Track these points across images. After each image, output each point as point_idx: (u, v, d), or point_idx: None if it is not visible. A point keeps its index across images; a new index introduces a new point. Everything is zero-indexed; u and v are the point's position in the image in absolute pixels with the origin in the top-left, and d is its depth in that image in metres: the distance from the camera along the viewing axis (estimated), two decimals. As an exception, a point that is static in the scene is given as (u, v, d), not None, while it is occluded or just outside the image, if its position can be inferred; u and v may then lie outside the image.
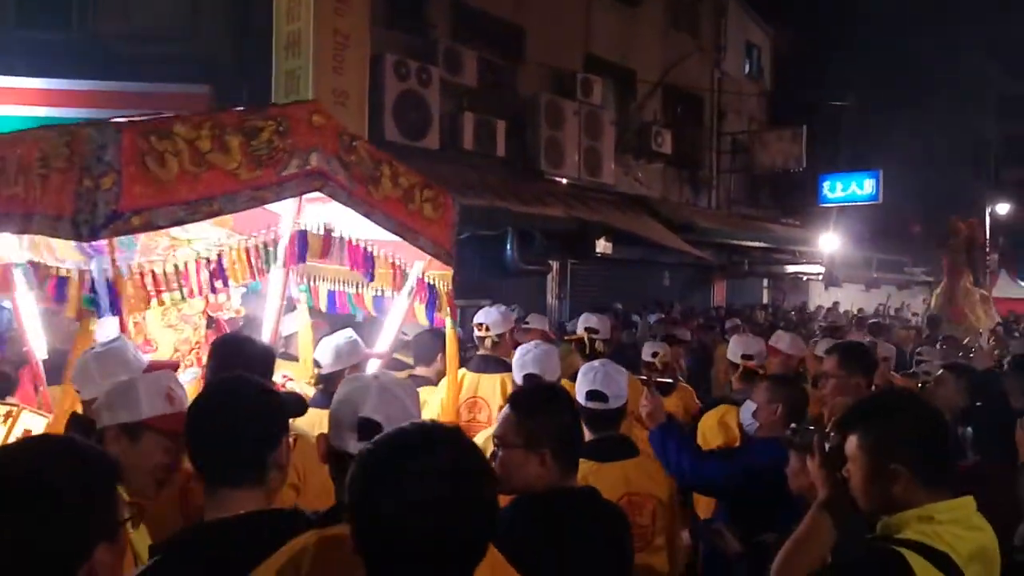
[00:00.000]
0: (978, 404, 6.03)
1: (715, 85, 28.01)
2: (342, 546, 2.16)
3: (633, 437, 5.05)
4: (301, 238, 5.20)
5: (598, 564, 3.41)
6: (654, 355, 8.58)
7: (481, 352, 7.04)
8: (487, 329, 6.95)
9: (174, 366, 4.84)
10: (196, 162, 4.33)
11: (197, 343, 5.95)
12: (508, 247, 16.40)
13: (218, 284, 5.05)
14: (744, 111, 29.94)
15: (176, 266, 4.83)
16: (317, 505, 3.02)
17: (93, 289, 4.36)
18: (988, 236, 31.00)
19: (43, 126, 4.77)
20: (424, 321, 6.43)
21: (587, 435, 4.26)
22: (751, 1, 30.22)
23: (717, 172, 28.48)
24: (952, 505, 2.92)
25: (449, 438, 2.14)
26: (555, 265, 20.24)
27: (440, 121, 17.04)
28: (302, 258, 5.30)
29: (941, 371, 6.87)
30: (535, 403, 3.55)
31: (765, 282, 31.34)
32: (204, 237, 5.51)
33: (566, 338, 8.96)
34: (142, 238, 5.08)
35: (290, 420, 3.15)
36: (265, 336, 5.25)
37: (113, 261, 4.41)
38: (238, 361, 4.20)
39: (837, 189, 29.78)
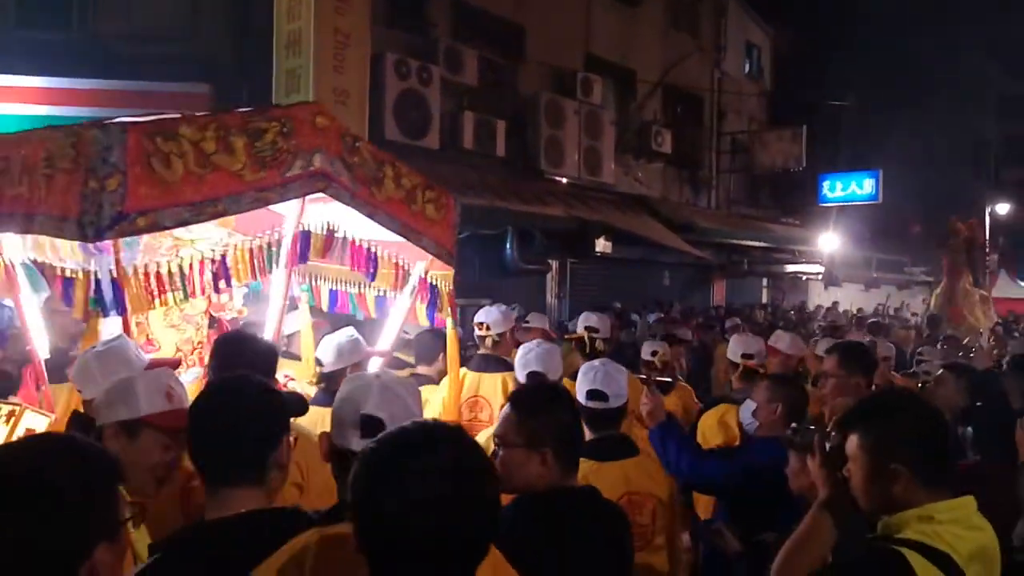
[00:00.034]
0: (978, 404, 6.04)
1: (715, 85, 28.01)
2: (344, 545, 2.16)
3: (633, 436, 5.05)
4: (304, 238, 5.21)
5: (599, 563, 3.41)
6: (653, 354, 8.58)
7: (482, 351, 7.03)
8: (488, 328, 6.95)
9: (175, 364, 4.85)
10: (201, 163, 4.34)
11: (199, 343, 5.95)
12: (508, 246, 16.39)
13: (221, 284, 5.06)
14: (744, 111, 29.95)
15: (180, 266, 4.83)
16: (320, 504, 3.02)
17: (98, 289, 4.35)
18: (988, 236, 31.02)
19: (48, 126, 4.78)
20: (425, 321, 6.44)
21: (587, 434, 4.26)
22: (751, 1, 30.22)
23: (717, 172, 28.49)
24: (952, 505, 2.92)
25: (451, 437, 2.14)
26: (555, 264, 20.24)
27: (440, 120, 17.04)
28: (304, 258, 5.32)
29: (941, 371, 6.87)
30: (536, 402, 3.55)
31: (765, 282, 31.34)
32: (207, 237, 5.52)
33: (566, 337, 8.96)
34: (145, 238, 5.07)
35: (291, 419, 3.15)
36: (267, 336, 5.25)
37: (118, 261, 4.40)
38: (241, 359, 4.21)
39: (837, 189, 29.78)
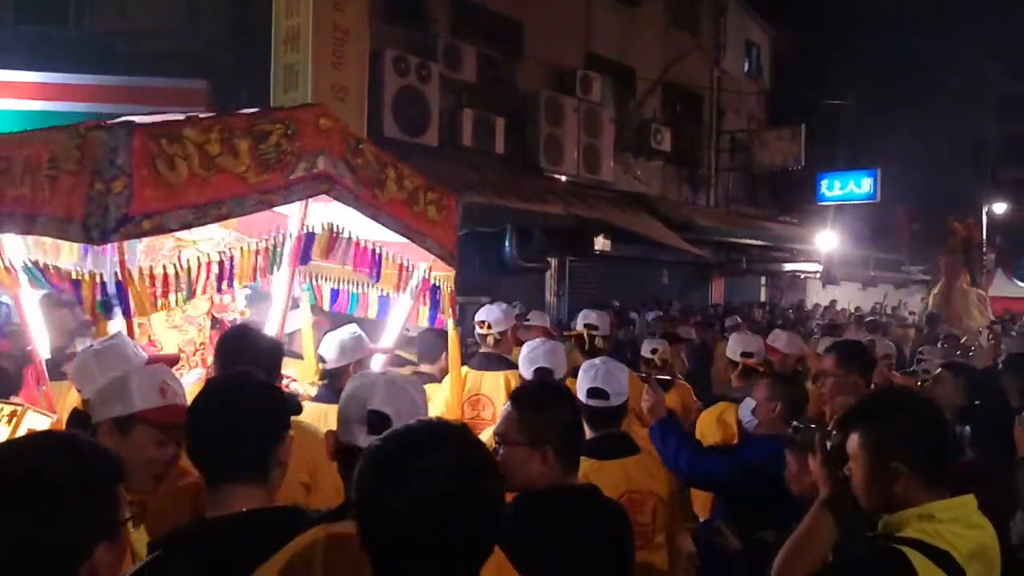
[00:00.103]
0: (976, 403, 6.04)
1: (714, 83, 28.02)
2: (351, 543, 2.16)
3: (632, 435, 5.05)
4: (308, 239, 5.22)
5: (599, 562, 3.41)
6: (653, 352, 8.57)
7: (483, 349, 7.06)
8: (489, 327, 6.96)
9: (173, 360, 4.84)
10: (205, 165, 4.34)
11: (202, 344, 5.96)
12: (507, 244, 16.39)
13: (224, 285, 5.05)
14: (743, 110, 29.96)
15: (187, 266, 4.82)
16: (328, 504, 3.01)
17: (104, 292, 4.35)
18: (985, 235, 31.04)
19: (51, 127, 4.76)
20: (426, 323, 6.44)
21: (588, 433, 4.26)
22: (751, 0, 30.21)
23: (716, 170, 28.50)
24: (952, 504, 2.93)
25: (456, 435, 2.13)
26: (554, 262, 20.22)
27: (439, 117, 17.03)
28: (306, 259, 5.32)
29: (939, 370, 6.88)
30: (538, 400, 3.55)
31: (763, 280, 31.35)
32: (210, 238, 5.53)
33: (565, 334, 8.96)
34: (146, 239, 5.08)
35: (296, 417, 3.15)
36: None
37: (122, 263, 4.40)
38: (243, 355, 4.22)
39: (835, 187, 29.79)
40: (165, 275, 4.63)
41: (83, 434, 2.85)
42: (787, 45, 32.53)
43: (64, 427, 3.87)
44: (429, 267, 6.00)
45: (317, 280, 6.57)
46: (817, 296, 31.87)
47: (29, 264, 5.00)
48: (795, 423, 3.89)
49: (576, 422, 3.64)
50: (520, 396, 3.64)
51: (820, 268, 28.72)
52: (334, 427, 2.97)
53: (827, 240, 28.80)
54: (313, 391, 5.73)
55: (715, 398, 7.39)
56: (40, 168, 4.38)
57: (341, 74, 13.66)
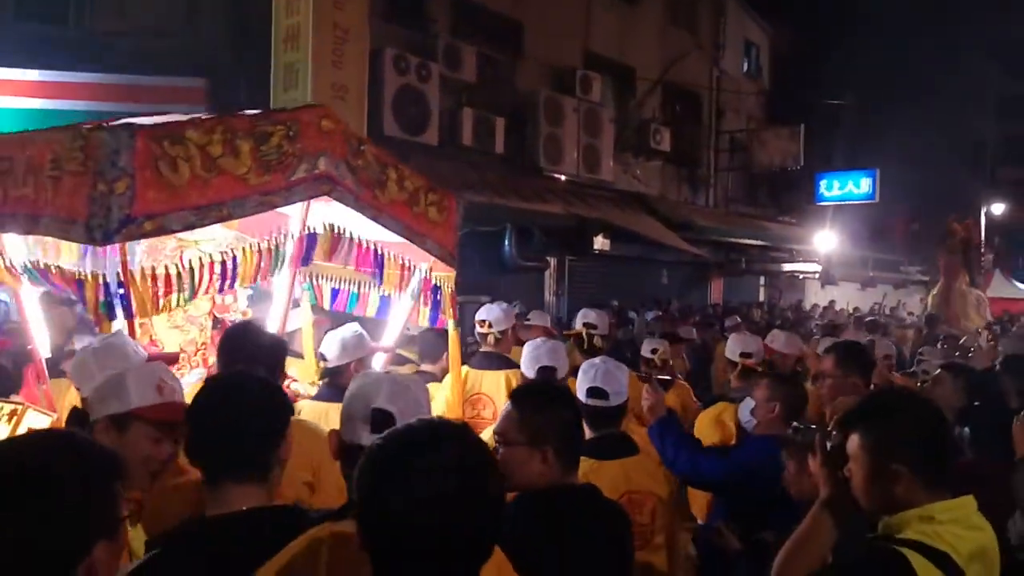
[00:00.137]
0: (976, 404, 6.03)
1: (714, 83, 28.05)
2: (354, 542, 2.15)
3: (631, 434, 5.05)
4: (310, 240, 5.22)
5: (599, 562, 3.40)
6: (653, 352, 8.56)
7: (484, 349, 7.06)
8: (490, 326, 6.96)
9: (173, 359, 4.85)
10: (207, 167, 4.35)
11: (203, 344, 5.96)
12: (506, 243, 16.39)
13: (227, 286, 5.06)
14: (742, 110, 29.97)
15: (189, 267, 4.81)
16: (332, 503, 3.01)
17: (107, 293, 4.36)
18: (983, 236, 31.06)
19: (52, 128, 4.77)
20: (426, 323, 6.44)
21: (587, 433, 4.25)
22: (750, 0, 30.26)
23: (715, 170, 28.51)
24: (952, 505, 2.92)
25: (457, 434, 2.13)
26: (553, 262, 20.22)
27: (439, 117, 17.04)
28: (308, 260, 5.33)
29: (938, 371, 6.87)
30: (538, 400, 3.53)
31: (762, 280, 31.35)
32: (212, 238, 5.53)
33: (564, 333, 8.97)
34: (147, 240, 5.08)
35: (300, 416, 3.15)
36: (271, 336, 5.25)
37: (124, 264, 4.40)
38: (245, 354, 4.25)
39: (834, 188, 29.81)
40: (167, 275, 4.63)
41: (82, 432, 2.86)
42: (786, 45, 32.54)
43: (64, 425, 3.87)
44: (430, 267, 6.01)
45: (317, 280, 6.57)
46: (816, 296, 31.88)
47: (29, 264, 5.00)
48: (795, 424, 3.89)
49: (576, 422, 3.63)
50: (520, 395, 3.62)
51: (819, 268, 28.74)
52: (335, 425, 2.98)
53: (826, 240, 28.83)
54: (313, 391, 5.73)
55: (714, 398, 7.39)
56: (43, 168, 4.39)
57: (341, 73, 13.66)
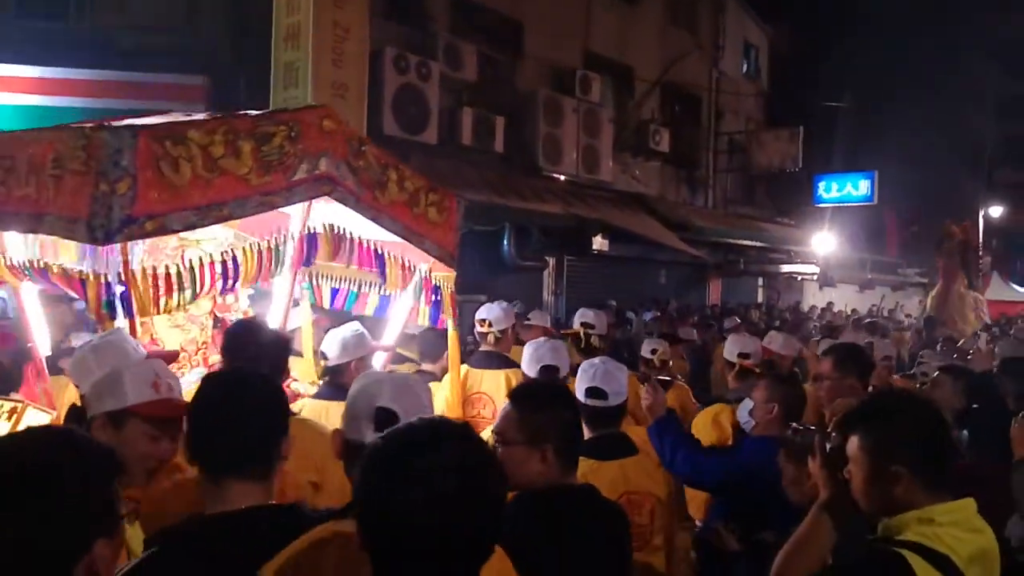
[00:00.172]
0: (975, 406, 6.03)
1: (713, 84, 28.05)
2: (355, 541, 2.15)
3: (630, 434, 5.05)
4: (311, 240, 5.23)
5: (598, 562, 3.40)
6: (653, 352, 8.57)
7: (484, 348, 7.08)
8: (489, 325, 6.98)
9: (172, 357, 4.84)
10: (209, 167, 4.36)
11: (204, 343, 5.97)
12: (505, 243, 16.41)
13: (229, 285, 5.06)
14: (741, 111, 29.99)
15: (189, 266, 4.82)
16: (336, 502, 3.00)
17: (108, 292, 4.36)
18: (981, 238, 31.07)
19: (55, 127, 4.79)
20: (427, 322, 6.44)
21: (586, 433, 4.25)
22: (750, 0, 30.24)
23: (714, 171, 28.51)
24: (953, 507, 2.92)
25: (457, 434, 2.12)
26: (552, 261, 20.22)
27: (439, 116, 17.02)
28: (309, 261, 5.33)
29: (937, 373, 6.86)
30: (537, 399, 3.52)
31: (760, 281, 31.36)
32: (213, 238, 5.53)
33: (562, 332, 8.97)
34: (149, 239, 5.09)
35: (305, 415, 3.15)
36: (272, 336, 5.26)
37: (126, 263, 4.41)
38: (249, 351, 4.28)
39: (832, 189, 29.82)
40: (167, 275, 4.64)
41: (80, 430, 2.86)
42: (786, 46, 32.55)
43: (62, 423, 3.87)
44: (430, 268, 6.01)
45: (317, 279, 6.57)
46: (814, 298, 31.90)
47: (28, 263, 5.00)
48: (794, 425, 3.89)
49: (576, 422, 3.62)
50: (519, 395, 3.61)
51: (817, 270, 28.76)
52: (336, 423, 2.98)
53: (824, 242, 28.86)
54: (313, 390, 5.74)
55: (713, 400, 7.38)
56: (45, 168, 4.40)
57: (341, 72, 13.66)
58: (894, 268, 35.87)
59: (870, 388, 6.02)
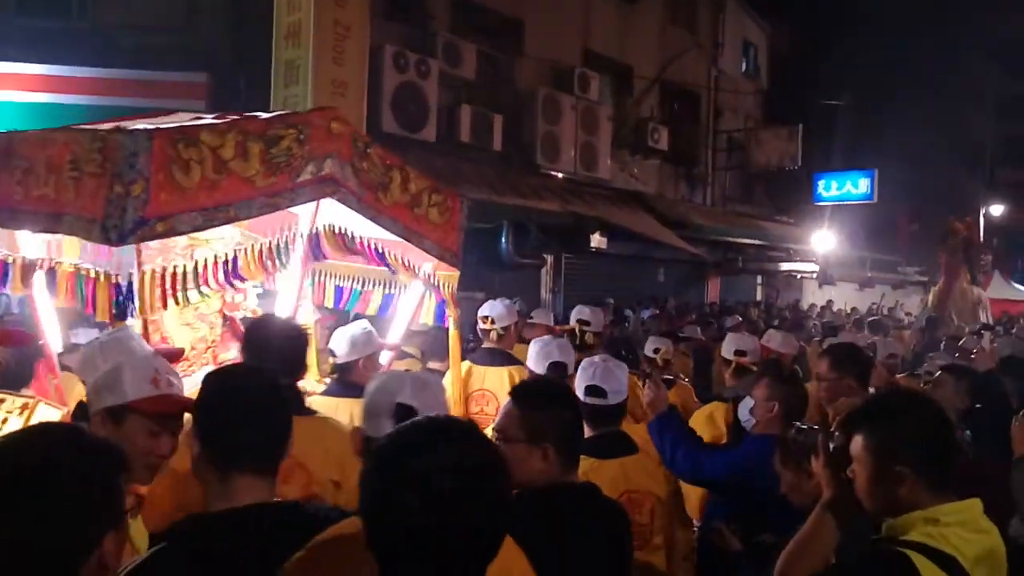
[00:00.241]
0: (978, 406, 6.02)
1: (712, 82, 28.08)
2: None
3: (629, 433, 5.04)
4: (317, 239, 5.25)
5: (599, 561, 3.39)
6: (656, 351, 8.58)
7: (487, 345, 7.09)
8: (492, 322, 7.00)
9: (177, 354, 4.86)
10: (217, 169, 4.38)
11: (213, 341, 5.98)
12: (503, 240, 16.39)
13: (232, 281, 5.10)
14: (740, 109, 30.01)
15: (195, 266, 4.85)
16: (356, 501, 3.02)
17: (119, 292, 4.38)
18: (982, 237, 31.06)
19: (69, 128, 4.85)
20: (430, 320, 6.45)
21: (586, 431, 4.24)
22: (749, -1, 30.30)
23: (712, 169, 28.53)
24: (959, 507, 2.91)
25: (458, 434, 2.11)
26: (550, 259, 20.24)
27: (438, 113, 17.07)
28: (318, 256, 5.36)
29: (939, 373, 6.85)
30: (538, 397, 3.52)
31: (759, 279, 31.35)
32: (222, 237, 5.55)
33: (558, 329, 8.98)
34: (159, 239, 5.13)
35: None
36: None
37: (140, 264, 4.44)
38: (271, 346, 4.37)
39: (832, 188, 29.81)
40: (174, 274, 4.68)
41: (85, 427, 2.86)
42: (785, 44, 32.57)
43: (71, 420, 3.87)
44: (434, 267, 6.01)
45: (321, 277, 6.57)
46: (813, 296, 31.90)
47: (37, 261, 5.02)
48: (797, 424, 3.88)
49: (577, 420, 3.60)
50: (521, 392, 3.59)
51: (816, 268, 28.75)
52: (345, 420, 2.99)
53: (824, 240, 28.87)
54: (319, 387, 5.74)
55: (713, 398, 7.38)
56: (63, 169, 4.42)
57: (341, 70, 13.68)
58: (894, 266, 35.84)
59: (872, 388, 6.00)
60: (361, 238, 5.50)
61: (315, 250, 5.28)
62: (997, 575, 2.93)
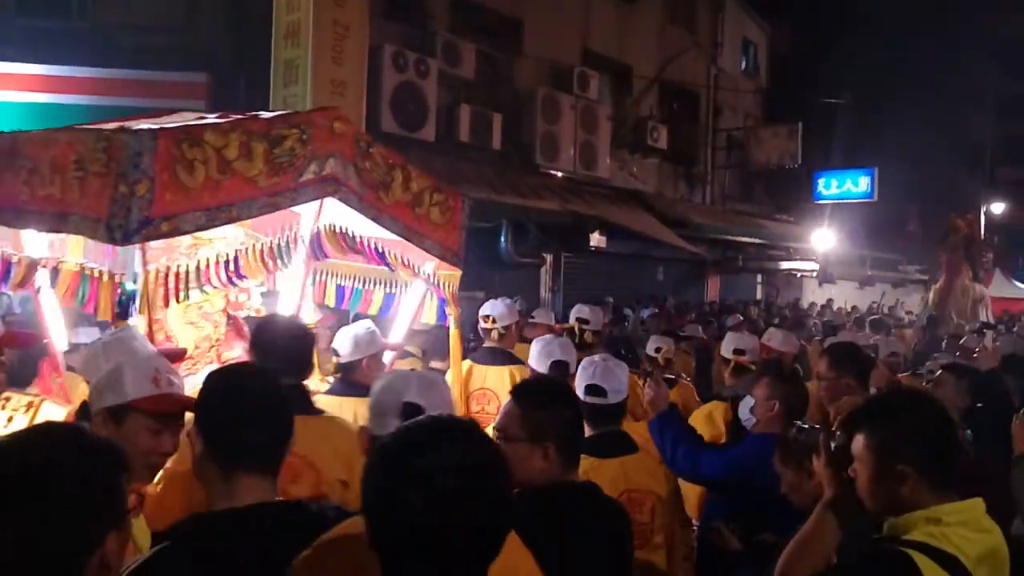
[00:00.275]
0: (979, 405, 6.01)
1: (711, 81, 28.08)
2: None
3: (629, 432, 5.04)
4: (319, 239, 5.26)
5: (599, 560, 3.39)
6: (657, 351, 8.57)
7: (488, 344, 7.10)
8: (493, 321, 7.02)
9: (180, 354, 4.87)
10: (221, 169, 4.40)
11: (217, 340, 5.99)
12: (503, 239, 16.39)
13: (234, 280, 5.13)
14: (740, 108, 30.02)
15: (197, 265, 4.89)
16: None
17: (122, 292, 4.40)
18: (983, 235, 31.06)
19: (73, 127, 4.86)
20: (432, 319, 6.46)
21: (586, 430, 4.23)
22: (749, -2, 30.30)
23: (712, 168, 28.55)
24: (961, 507, 2.90)
25: (460, 433, 2.11)
26: (549, 258, 20.27)
27: (437, 113, 17.10)
28: (320, 255, 5.37)
29: (940, 372, 6.84)
30: (539, 396, 3.52)
31: (759, 278, 31.35)
32: (225, 236, 5.56)
33: (558, 327, 8.98)
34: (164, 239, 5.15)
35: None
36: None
37: (145, 263, 4.45)
38: (278, 347, 4.36)
39: (832, 186, 29.84)
40: (178, 273, 4.73)
41: (87, 426, 2.87)
42: (784, 43, 32.59)
43: (75, 419, 3.88)
44: (436, 267, 6.02)
45: (322, 276, 6.58)
46: (813, 295, 31.92)
47: (40, 260, 5.04)
48: (799, 423, 3.88)
49: (577, 419, 3.60)
50: (522, 391, 3.59)
51: (817, 267, 28.73)
52: (349, 419, 2.99)
53: (824, 239, 28.86)
54: (322, 387, 5.75)
55: (713, 397, 7.37)
56: (67, 169, 4.43)
57: (341, 69, 13.71)
58: (895, 265, 35.82)
59: (876, 387, 5.99)
60: (361, 237, 5.51)
61: (317, 250, 5.28)
62: (999, 575, 2.93)
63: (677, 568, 4.77)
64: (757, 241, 27.61)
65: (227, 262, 4.99)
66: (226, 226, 5.01)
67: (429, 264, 5.93)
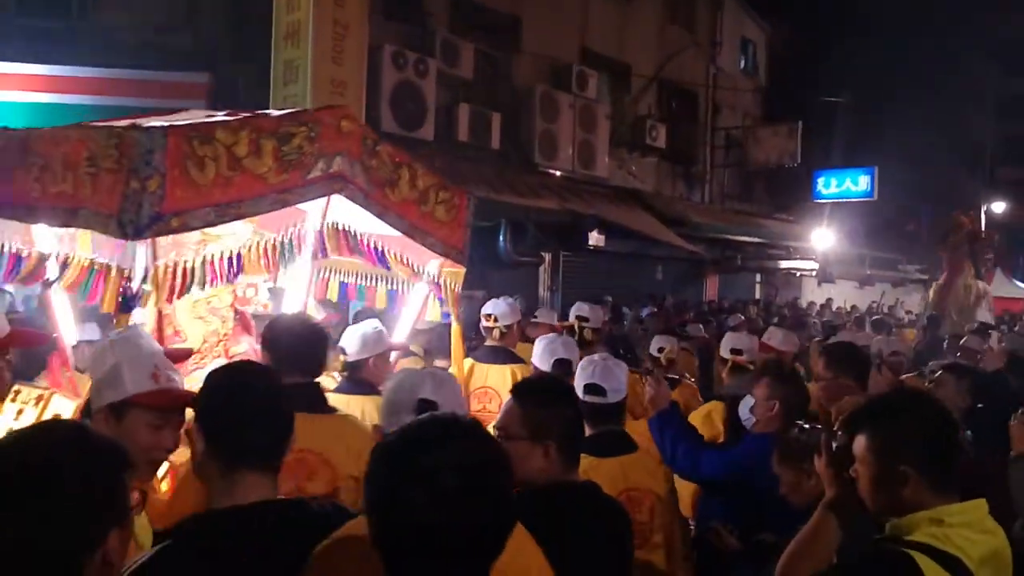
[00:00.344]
0: (979, 406, 6.00)
1: (710, 80, 28.09)
2: None
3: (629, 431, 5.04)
4: (322, 237, 5.29)
5: (599, 559, 3.39)
6: (660, 350, 8.55)
7: (489, 343, 7.14)
8: (495, 320, 7.08)
9: (186, 354, 4.88)
10: (232, 167, 4.45)
11: (225, 335, 6.01)
12: (501, 238, 16.43)
13: (235, 277, 5.19)
14: (739, 106, 30.01)
15: (203, 261, 4.94)
16: None
17: (128, 287, 4.43)
18: (985, 232, 31.06)
19: (82, 125, 4.89)
20: (436, 317, 6.48)
21: (585, 430, 4.24)
22: (748, -3, 30.30)
23: (711, 167, 28.57)
24: (964, 508, 2.90)
25: (463, 431, 2.12)
26: (548, 257, 20.30)
27: (436, 112, 17.12)
28: (325, 255, 5.40)
29: (940, 372, 6.82)
30: (540, 395, 3.53)
31: (758, 277, 31.35)
32: (233, 233, 5.58)
33: (559, 326, 8.98)
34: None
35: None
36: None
37: (154, 259, 4.48)
38: (292, 345, 4.40)
39: (832, 185, 29.84)
40: (184, 269, 4.78)
41: (90, 424, 2.87)
42: (783, 42, 32.58)
43: (80, 416, 3.89)
44: (440, 265, 6.03)
45: (325, 273, 6.59)
46: (812, 294, 31.92)
47: (51, 255, 5.07)
48: (800, 423, 3.88)
49: (578, 418, 3.61)
50: (522, 390, 3.60)
51: (816, 266, 28.72)
52: (356, 416, 3.00)
53: (823, 238, 28.86)
54: (330, 385, 5.76)
55: (713, 397, 7.38)
56: (79, 165, 4.48)
57: (340, 69, 13.72)
58: (894, 264, 35.79)
59: (867, 387, 5.98)
60: (362, 236, 5.53)
61: (322, 248, 5.32)
62: (1002, 576, 2.93)
63: (676, 567, 4.76)
64: (756, 240, 27.58)
65: (230, 258, 5.04)
66: (235, 223, 5.04)
67: (433, 263, 5.95)
